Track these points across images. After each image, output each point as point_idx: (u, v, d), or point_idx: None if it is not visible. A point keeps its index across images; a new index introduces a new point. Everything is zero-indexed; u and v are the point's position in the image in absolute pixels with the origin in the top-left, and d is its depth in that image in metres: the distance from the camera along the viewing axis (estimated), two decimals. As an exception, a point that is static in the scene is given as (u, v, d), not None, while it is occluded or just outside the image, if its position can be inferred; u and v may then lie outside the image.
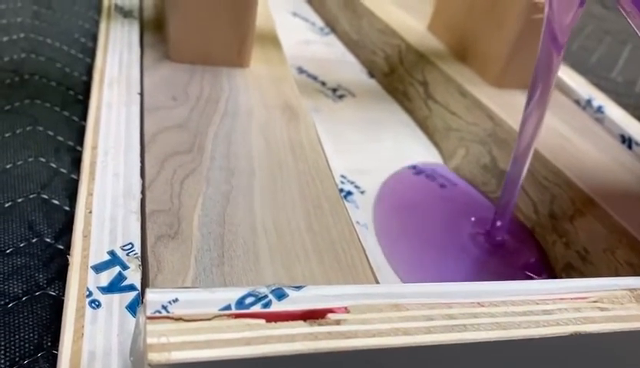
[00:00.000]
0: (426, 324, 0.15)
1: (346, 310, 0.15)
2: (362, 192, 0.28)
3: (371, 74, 0.40)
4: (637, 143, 0.31)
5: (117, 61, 0.26)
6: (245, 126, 0.25)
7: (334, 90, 0.36)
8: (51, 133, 0.30)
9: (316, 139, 0.26)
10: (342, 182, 0.29)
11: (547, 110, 0.33)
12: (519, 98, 0.34)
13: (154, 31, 0.31)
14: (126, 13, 0.31)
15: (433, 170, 0.31)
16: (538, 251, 0.26)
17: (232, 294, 0.14)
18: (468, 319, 0.15)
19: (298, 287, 0.15)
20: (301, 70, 0.38)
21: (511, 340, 0.15)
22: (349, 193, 0.28)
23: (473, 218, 0.27)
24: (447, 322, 0.15)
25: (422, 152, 0.33)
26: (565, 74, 0.36)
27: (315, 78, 0.37)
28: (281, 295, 0.14)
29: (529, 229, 0.28)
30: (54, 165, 0.28)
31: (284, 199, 0.22)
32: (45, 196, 0.26)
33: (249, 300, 0.14)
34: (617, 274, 0.24)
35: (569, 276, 0.25)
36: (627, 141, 0.32)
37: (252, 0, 0.28)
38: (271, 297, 0.14)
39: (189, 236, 0.19)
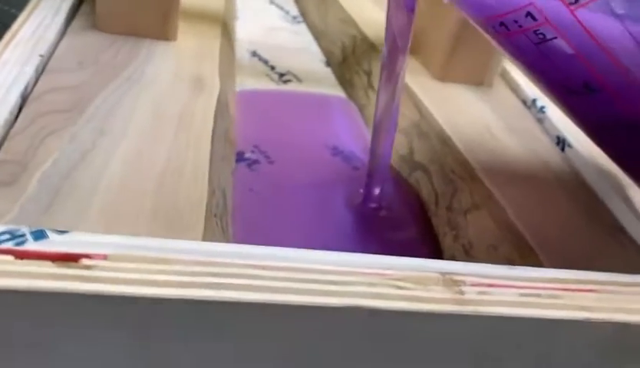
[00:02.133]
0: (180, 279, 0.14)
1: (105, 257, 0.15)
2: (271, 162, 0.28)
3: (329, 64, 0.39)
4: (569, 145, 0.30)
5: (36, 24, 0.27)
6: (141, 93, 0.26)
7: (282, 75, 0.36)
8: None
9: (213, 112, 0.26)
10: (252, 152, 0.29)
11: (488, 107, 0.32)
12: (457, 92, 0.33)
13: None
14: (70, -18, 0.32)
15: (352, 152, 0.30)
16: (424, 233, 0.25)
17: (-12, 230, 0.14)
18: (235, 278, 0.15)
19: (62, 232, 0.15)
20: (254, 54, 0.38)
21: (275, 304, 0.15)
22: (255, 161, 0.28)
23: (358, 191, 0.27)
24: (208, 279, 0.15)
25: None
26: (517, 73, 0.35)
27: (265, 62, 0.37)
28: (40, 237, 0.15)
29: (425, 213, 0.27)
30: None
31: (144, 163, 0.22)
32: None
33: (3, 237, 0.14)
34: (494, 271, 0.23)
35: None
36: (561, 143, 0.30)
37: (178, -26, 0.29)
38: (29, 237, 0.14)
39: (24, 185, 0.19)
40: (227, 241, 0.22)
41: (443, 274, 0.17)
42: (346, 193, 0.27)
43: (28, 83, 0.24)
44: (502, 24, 0.19)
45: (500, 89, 0.34)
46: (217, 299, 0.14)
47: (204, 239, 0.19)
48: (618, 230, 0.26)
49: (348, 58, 0.37)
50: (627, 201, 0.27)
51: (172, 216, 0.20)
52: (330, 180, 0.27)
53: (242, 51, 0.38)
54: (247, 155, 0.28)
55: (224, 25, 0.34)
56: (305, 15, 0.44)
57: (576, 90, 0.21)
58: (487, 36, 0.21)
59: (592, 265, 0.23)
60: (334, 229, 0.25)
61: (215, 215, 0.21)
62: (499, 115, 0.32)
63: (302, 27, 0.44)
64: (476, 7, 0.20)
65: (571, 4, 0.17)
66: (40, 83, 0.25)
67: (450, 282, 0.17)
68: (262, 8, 0.45)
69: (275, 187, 0.26)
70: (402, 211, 0.26)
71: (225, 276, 0.15)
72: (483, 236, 0.24)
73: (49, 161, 0.21)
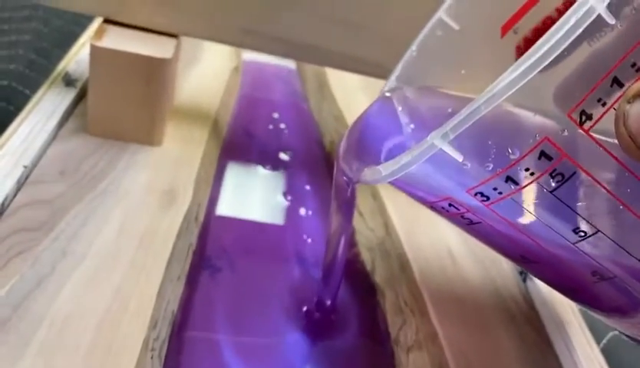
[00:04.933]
0: None
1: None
2: (233, 271, 0.29)
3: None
4: (531, 278, 0.30)
5: (27, 132, 0.29)
6: (111, 208, 0.27)
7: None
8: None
9: (177, 229, 0.27)
10: (218, 258, 0.29)
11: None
12: (428, 210, 0.34)
13: (92, 100, 0.34)
14: (69, 81, 0.34)
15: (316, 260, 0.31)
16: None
17: None
18: None
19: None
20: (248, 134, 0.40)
21: None
22: (218, 270, 0.29)
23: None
24: None
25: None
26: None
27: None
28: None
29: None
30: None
31: (94, 292, 0.23)
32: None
33: None
34: (422, 419, 0.24)
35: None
36: (524, 274, 0.31)
37: (165, 86, 0.31)
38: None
39: (-24, 316, 0.21)
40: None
41: None
42: (300, 305, 0.28)
43: (7, 198, 0.26)
44: (432, 207, 0.20)
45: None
46: None
47: (134, 379, 0.21)
48: (559, 379, 0.26)
49: (334, 154, 0.38)
50: (573, 349, 0.27)
51: (107, 353, 0.21)
52: (286, 289, 0.29)
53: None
54: (213, 261, 0.30)
55: (215, 123, 0.36)
56: (306, 101, 0.46)
57: (516, 259, 0.22)
58: None
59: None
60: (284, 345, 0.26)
61: (152, 349, 0.22)
62: (465, 237, 0.32)
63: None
64: (409, 192, 0.21)
65: (484, 201, 0.18)
66: (19, 195, 0.27)
67: None
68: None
69: (231, 298, 0.28)
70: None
71: None
72: (419, 379, 0.25)
73: (7, 287, 0.22)
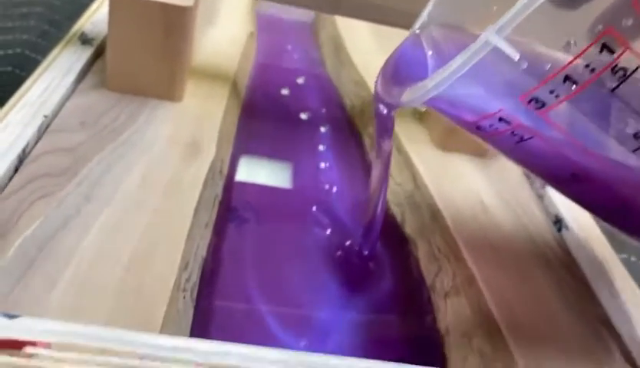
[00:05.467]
0: (120, 373, 0.15)
1: (48, 345, 0.15)
2: (259, 222, 0.28)
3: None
4: (567, 227, 0.29)
5: (45, 86, 0.29)
6: (134, 158, 0.26)
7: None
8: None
9: (202, 179, 0.27)
10: (245, 208, 0.29)
11: (486, 179, 0.32)
12: (457, 162, 0.33)
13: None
14: (85, 40, 0.33)
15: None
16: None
17: (-61, 312, 0.15)
18: (172, 376, 0.15)
19: (12, 316, 0.16)
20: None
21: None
22: (245, 221, 0.28)
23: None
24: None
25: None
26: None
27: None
28: (-11, 321, 0.15)
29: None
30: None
31: (122, 234, 0.22)
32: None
33: (-46, 320, 0.15)
34: (465, 362, 0.23)
35: (423, 352, 0.24)
36: (558, 223, 0.30)
37: (185, 37, 0.30)
38: (-23, 321, 0.15)
39: (1, 252, 0.20)
40: (194, 314, 0.22)
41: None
42: (330, 252, 0.27)
43: (28, 144, 0.25)
44: (478, 128, 0.19)
45: (504, 160, 0.34)
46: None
47: (166, 317, 0.20)
48: (603, 323, 0.25)
49: (355, 119, 0.38)
50: (617, 294, 0.26)
51: (138, 292, 0.20)
52: (315, 237, 0.28)
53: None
54: (240, 212, 0.29)
55: (234, 84, 0.35)
56: (323, 65, 0.45)
57: (565, 179, 0.21)
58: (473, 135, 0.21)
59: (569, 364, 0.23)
60: (315, 287, 0.25)
61: (184, 290, 0.22)
62: (496, 188, 0.32)
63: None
64: (452, 112, 0.20)
65: (538, 108, 0.17)
66: (40, 143, 0.26)
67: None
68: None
69: (259, 249, 0.27)
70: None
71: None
72: (459, 323, 0.24)
73: (32, 227, 0.22)
